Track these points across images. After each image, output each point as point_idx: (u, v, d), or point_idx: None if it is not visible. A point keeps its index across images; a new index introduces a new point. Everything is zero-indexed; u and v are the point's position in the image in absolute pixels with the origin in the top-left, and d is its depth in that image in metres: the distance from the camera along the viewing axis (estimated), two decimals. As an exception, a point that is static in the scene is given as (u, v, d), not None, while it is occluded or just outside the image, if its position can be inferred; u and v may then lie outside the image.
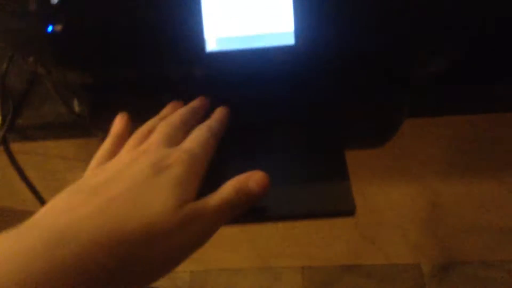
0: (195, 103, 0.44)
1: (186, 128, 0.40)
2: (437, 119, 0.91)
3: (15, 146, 0.59)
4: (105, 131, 0.45)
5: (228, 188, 0.34)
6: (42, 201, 0.65)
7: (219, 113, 0.43)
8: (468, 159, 1.01)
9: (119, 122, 0.42)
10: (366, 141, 0.47)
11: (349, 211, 0.37)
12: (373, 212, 1.16)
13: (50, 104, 0.55)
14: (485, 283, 1.27)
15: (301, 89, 0.45)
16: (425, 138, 0.95)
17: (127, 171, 0.33)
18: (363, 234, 1.26)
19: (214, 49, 0.43)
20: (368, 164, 1.00)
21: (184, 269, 1.42)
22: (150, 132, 0.39)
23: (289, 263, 1.39)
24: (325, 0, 0.41)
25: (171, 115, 0.41)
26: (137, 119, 0.41)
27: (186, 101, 0.44)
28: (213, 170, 0.37)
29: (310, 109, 0.44)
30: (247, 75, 0.44)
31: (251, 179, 0.35)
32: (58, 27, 0.42)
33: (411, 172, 1.06)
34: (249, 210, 0.36)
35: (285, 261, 1.38)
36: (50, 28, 0.42)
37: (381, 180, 1.10)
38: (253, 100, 0.44)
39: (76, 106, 0.53)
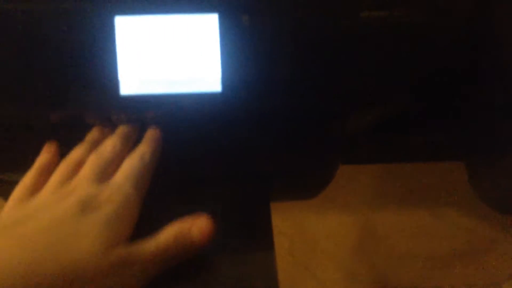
0: (125, 129, 0.39)
1: (118, 159, 0.36)
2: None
3: None
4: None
5: (168, 234, 0.31)
6: None
7: (150, 137, 0.39)
8: (400, 189, 1.03)
9: (46, 152, 0.37)
10: (297, 193, 0.44)
11: None
12: (308, 240, 1.15)
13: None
14: (417, 309, 1.29)
15: (226, 139, 0.41)
16: (358, 168, 0.95)
17: (51, 209, 0.30)
18: (298, 261, 1.25)
19: (129, 92, 0.38)
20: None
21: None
22: (78, 164, 0.35)
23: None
24: (256, 46, 0.38)
25: (103, 146, 0.37)
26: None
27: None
28: (151, 203, 0.34)
29: (236, 162, 0.41)
30: (165, 122, 0.40)
31: (195, 225, 0.32)
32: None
33: (345, 202, 1.06)
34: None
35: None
36: None
37: (316, 208, 1.10)
38: (172, 151, 0.39)
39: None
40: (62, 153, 0.37)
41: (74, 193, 0.31)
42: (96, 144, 0.37)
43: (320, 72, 0.39)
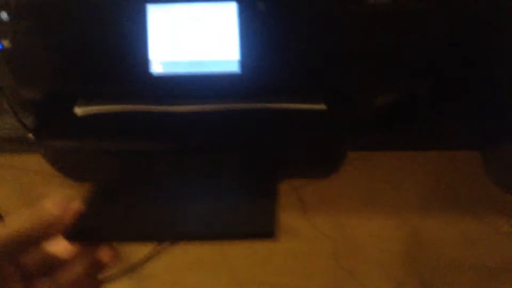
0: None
1: None
2: (417, 154, 0.91)
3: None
4: (48, 148, 0.45)
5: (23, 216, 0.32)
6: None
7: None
8: (447, 194, 1.01)
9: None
10: (309, 172, 0.47)
11: (267, 233, 0.36)
12: (352, 244, 1.15)
13: (6, 118, 0.55)
14: (466, 323, 1.24)
15: (243, 115, 0.45)
16: (403, 172, 0.95)
17: None
18: (342, 265, 1.25)
19: (158, 71, 0.43)
20: (347, 196, 0.99)
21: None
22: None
23: (268, 291, 1.36)
24: (271, 31, 0.42)
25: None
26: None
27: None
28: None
29: (250, 138, 0.44)
30: (191, 99, 0.45)
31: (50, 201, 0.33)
32: (7, 43, 0.43)
33: (389, 204, 1.05)
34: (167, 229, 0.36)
35: (263, 288, 1.36)
36: (-1, 45, 0.43)
37: (360, 212, 1.10)
38: (196, 124, 0.44)
39: (29, 120, 0.53)
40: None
41: None
42: None
43: (333, 55, 0.42)
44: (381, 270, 1.25)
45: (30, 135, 0.44)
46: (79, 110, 0.45)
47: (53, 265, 0.34)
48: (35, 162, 0.97)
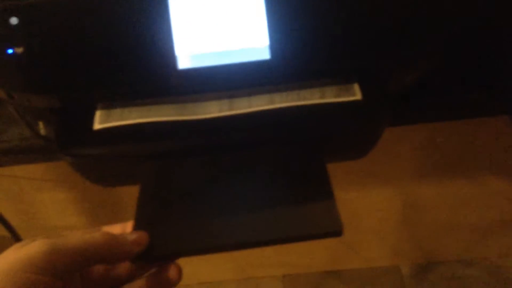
0: None
1: None
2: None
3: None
4: (74, 156, 0.43)
5: (98, 233, 0.32)
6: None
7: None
8: (440, 160, 1.02)
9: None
10: (346, 154, 0.46)
11: (336, 232, 0.36)
12: (351, 217, 1.16)
13: (15, 128, 0.52)
14: (463, 281, 1.29)
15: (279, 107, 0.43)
16: (399, 142, 0.96)
17: None
18: (342, 239, 1.26)
19: (186, 66, 0.41)
20: (345, 169, 0.99)
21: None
22: None
23: (269, 273, 1.37)
24: (300, 13, 0.40)
25: None
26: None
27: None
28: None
29: (288, 127, 0.43)
30: (221, 92, 0.43)
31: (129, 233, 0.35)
32: (19, 49, 0.40)
33: (387, 176, 1.06)
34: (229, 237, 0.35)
35: (265, 270, 1.36)
36: (10, 51, 0.40)
37: (356, 185, 1.10)
38: (228, 118, 0.42)
39: (42, 129, 0.50)
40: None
41: None
42: None
43: (363, 36, 0.41)
44: (379, 239, 1.28)
45: (55, 146, 0.42)
46: (99, 127, 0.42)
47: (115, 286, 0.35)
48: (22, 169, 0.93)
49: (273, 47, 0.41)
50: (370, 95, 0.43)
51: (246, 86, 0.43)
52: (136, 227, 0.37)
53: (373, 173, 1.03)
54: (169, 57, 0.41)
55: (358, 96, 0.43)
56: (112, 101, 0.43)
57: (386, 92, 0.45)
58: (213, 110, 0.44)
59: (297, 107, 0.43)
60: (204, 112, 0.43)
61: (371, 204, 1.14)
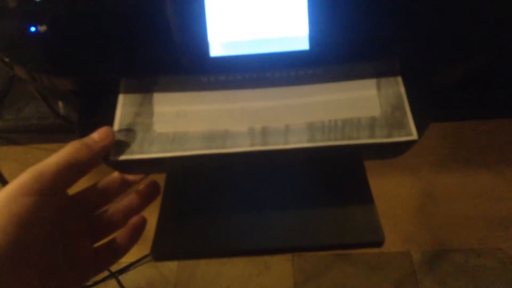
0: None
1: None
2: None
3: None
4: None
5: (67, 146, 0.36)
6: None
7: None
8: (463, 151, 1.00)
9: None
10: (384, 155, 0.44)
11: (378, 243, 0.34)
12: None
13: (33, 105, 0.50)
14: (475, 270, 1.27)
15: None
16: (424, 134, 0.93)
17: None
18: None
19: (218, 53, 0.38)
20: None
21: (172, 258, 1.39)
22: None
23: (279, 252, 1.37)
24: (340, 5, 0.37)
25: None
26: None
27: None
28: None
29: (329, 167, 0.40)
30: (255, 82, 0.40)
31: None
32: (42, 27, 0.37)
33: (406, 163, 1.04)
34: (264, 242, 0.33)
35: (275, 250, 1.37)
36: (33, 29, 0.37)
37: (375, 171, 1.08)
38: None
39: (61, 109, 0.48)
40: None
41: None
42: None
43: (404, 30, 0.38)
44: (392, 224, 1.26)
45: (77, 126, 0.40)
46: (114, 158, 0.38)
47: (108, 197, 0.41)
48: (39, 148, 0.91)
49: (312, 37, 0.38)
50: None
51: (281, 78, 0.40)
52: (160, 222, 0.36)
53: (394, 162, 1.01)
54: (202, 43, 0.38)
55: (414, 136, 0.38)
56: (138, 88, 0.41)
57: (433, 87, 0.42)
58: (244, 143, 0.38)
59: (342, 146, 0.37)
60: (234, 145, 0.38)
61: (388, 190, 1.12)
